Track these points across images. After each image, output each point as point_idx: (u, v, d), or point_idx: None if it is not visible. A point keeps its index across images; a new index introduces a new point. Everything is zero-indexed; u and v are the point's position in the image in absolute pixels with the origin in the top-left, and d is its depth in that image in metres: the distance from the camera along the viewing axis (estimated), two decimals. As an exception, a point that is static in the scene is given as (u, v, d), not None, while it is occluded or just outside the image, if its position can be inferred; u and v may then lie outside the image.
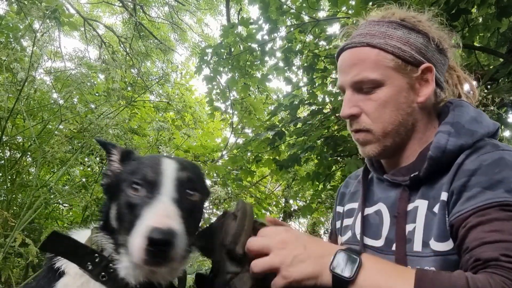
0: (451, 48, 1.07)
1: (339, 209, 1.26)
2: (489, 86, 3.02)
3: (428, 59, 0.99)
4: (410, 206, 0.96)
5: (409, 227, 0.94)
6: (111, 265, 0.84)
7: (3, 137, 3.04)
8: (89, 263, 0.84)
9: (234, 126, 5.26)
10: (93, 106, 3.53)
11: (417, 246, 0.90)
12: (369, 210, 1.08)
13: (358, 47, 1.00)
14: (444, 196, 0.90)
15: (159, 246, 0.73)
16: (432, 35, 1.00)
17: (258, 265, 0.80)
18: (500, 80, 2.85)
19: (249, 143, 4.08)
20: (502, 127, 2.91)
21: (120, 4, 8.38)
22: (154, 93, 7.29)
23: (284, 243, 0.80)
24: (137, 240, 0.75)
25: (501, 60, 3.00)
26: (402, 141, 1.02)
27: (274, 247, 0.80)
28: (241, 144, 4.58)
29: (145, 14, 9.02)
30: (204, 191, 0.95)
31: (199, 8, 10.55)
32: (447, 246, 0.86)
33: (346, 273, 0.74)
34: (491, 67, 3.29)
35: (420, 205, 0.94)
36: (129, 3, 8.25)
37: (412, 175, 0.97)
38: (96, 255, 0.85)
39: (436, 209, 0.91)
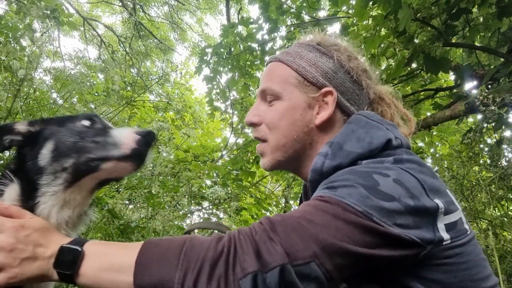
0: (377, 82, 1.10)
1: None
2: (489, 86, 3.01)
3: (335, 85, 1.01)
4: None
5: None
6: None
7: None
8: None
9: (234, 126, 5.25)
10: (92, 106, 3.52)
11: None
12: None
13: (273, 62, 1.08)
14: None
15: (147, 143, 0.87)
16: (344, 63, 1.02)
17: None
18: (500, 80, 2.85)
19: (249, 144, 4.07)
20: (503, 127, 2.91)
21: (120, 4, 8.37)
22: (154, 93, 7.28)
23: (12, 244, 0.75)
24: (128, 136, 0.87)
25: (502, 60, 2.99)
26: (298, 159, 1.03)
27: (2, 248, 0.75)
28: (241, 144, 4.57)
29: (144, 14, 9.02)
30: None
31: (199, 7, 10.54)
32: None
33: (68, 269, 0.74)
34: (491, 66, 3.28)
35: None
36: (129, 3, 8.24)
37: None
38: None
39: None
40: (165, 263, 0.69)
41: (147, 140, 0.88)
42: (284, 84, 1.02)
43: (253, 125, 1.06)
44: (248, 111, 1.09)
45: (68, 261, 0.74)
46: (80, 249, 0.75)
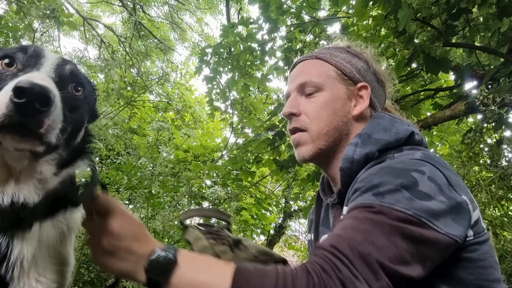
0: (390, 90, 1.19)
1: (309, 236, 1.29)
2: (489, 86, 3.01)
3: (367, 81, 1.10)
4: None
5: None
6: None
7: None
8: None
9: (234, 126, 5.25)
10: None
11: None
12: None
13: (308, 59, 1.14)
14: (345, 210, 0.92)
15: (29, 98, 0.56)
16: (372, 64, 1.12)
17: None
18: (501, 80, 2.84)
19: (249, 144, 4.07)
20: (503, 127, 2.90)
21: (120, 4, 8.37)
22: (154, 93, 7.28)
23: (117, 230, 0.78)
24: (4, 95, 0.58)
25: (502, 60, 2.99)
26: (335, 149, 1.07)
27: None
28: (241, 144, 4.57)
29: (144, 14, 9.01)
30: (91, 89, 0.82)
31: (199, 7, 10.54)
32: None
33: (161, 275, 0.73)
34: (491, 66, 3.28)
35: None
36: (129, 3, 8.23)
37: (337, 191, 1.04)
38: None
39: None
40: None
41: (21, 99, 0.56)
42: (325, 77, 1.08)
43: (292, 115, 1.09)
44: (285, 105, 1.11)
45: (161, 267, 0.73)
46: (174, 258, 0.73)
